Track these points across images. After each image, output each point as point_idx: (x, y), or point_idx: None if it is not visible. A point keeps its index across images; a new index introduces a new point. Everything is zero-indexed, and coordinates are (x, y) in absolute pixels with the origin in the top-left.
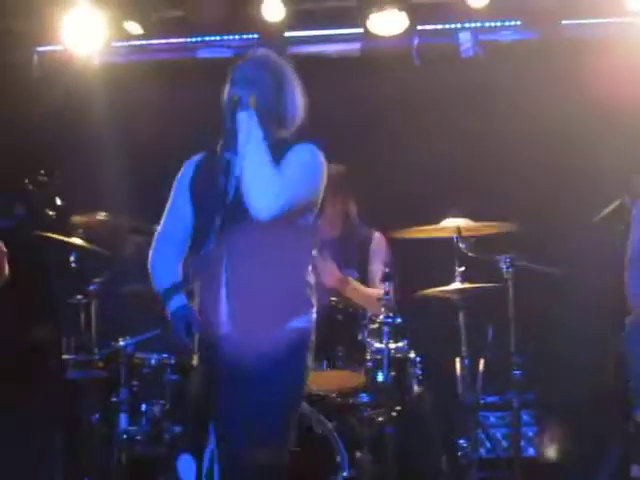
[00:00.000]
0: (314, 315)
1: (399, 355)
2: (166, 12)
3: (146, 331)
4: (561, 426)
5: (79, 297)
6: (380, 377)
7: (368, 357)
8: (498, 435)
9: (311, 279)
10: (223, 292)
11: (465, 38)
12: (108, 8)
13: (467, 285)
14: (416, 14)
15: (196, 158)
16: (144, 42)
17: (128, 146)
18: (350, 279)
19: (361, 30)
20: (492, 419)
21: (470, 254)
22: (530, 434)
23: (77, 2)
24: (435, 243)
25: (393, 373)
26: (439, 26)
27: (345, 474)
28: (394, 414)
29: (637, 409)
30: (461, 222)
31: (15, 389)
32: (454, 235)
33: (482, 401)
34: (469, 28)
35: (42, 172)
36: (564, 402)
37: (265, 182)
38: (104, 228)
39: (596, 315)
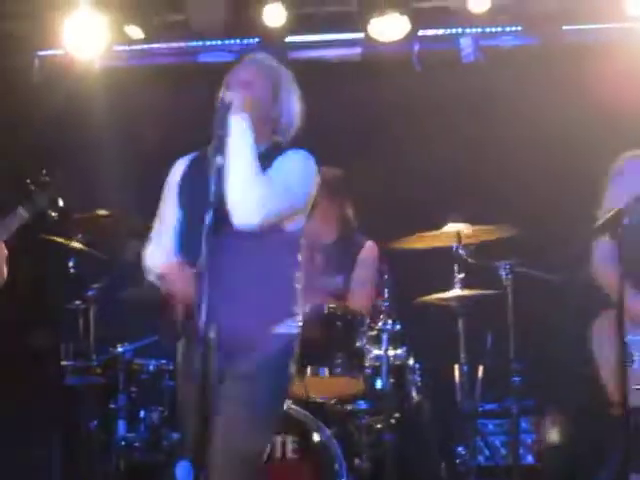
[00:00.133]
0: (299, 322)
1: (398, 362)
2: (167, 16)
3: (145, 337)
4: (560, 432)
5: (77, 303)
6: (379, 384)
7: (367, 364)
8: (497, 442)
9: (298, 285)
10: (206, 296)
11: (466, 43)
12: (109, 12)
13: (466, 292)
14: (417, 19)
15: (186, 159)
16: (145, 46)
17: (129, 150)
18: None
19: (362, 35)
20: (491, 426)
21: (470, 260)
22: (529, 441)
23: (78, 6)
24: (435, 249)
25: (392, 380)
26: (440, 31)
27: None
28: (393, 421)
29: None
30: (461, 228)
31: (13, 395)
32: (454, 244)
33: (481, 408)
34: (470, 33)
35: (44, 172)
36: (563, 409)
37: (249, 191)
38: (104, 226)
39: None
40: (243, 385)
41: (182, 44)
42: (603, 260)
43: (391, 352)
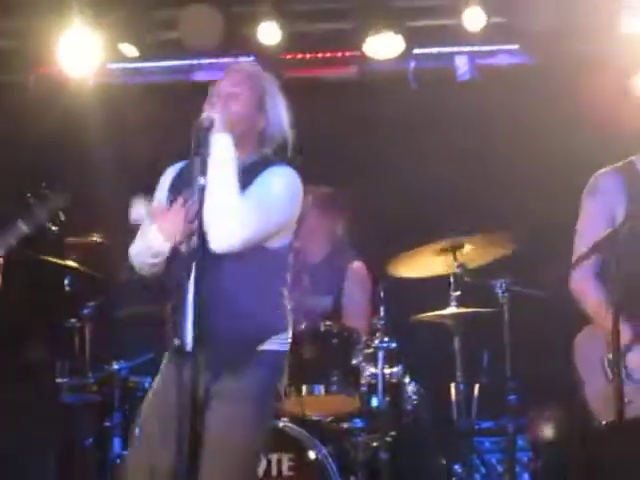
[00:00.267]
0: (288, 339)
1: (394, 380)
2: (161, 34)
3: (140, 355)
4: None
5: (73, 320)
6: (375, 402)
7: (363, 382)
8: (493, 460)
9: (286, 302)
10: (191, 313)
11: (461, 62)
12: (103, 30)
13: (462, 310)
14: (412, 37)
15: (176, 167)
16: (139, 64)
17: (123, 168)
18: None
19: (358, 53)
20: (487, 444)
21: (466, 279)
22: (525, 459)
23: (73, 24)
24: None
25: (388, 398)
26: (435, 50)
27: None
28: (389, 439)
29: None
30: (458, 249)
31: (8, 412)
32: (452, 271)
33: (477, 426)
34: (465, 52)
35: (44, 186)
36: (560, 427)
37: (226, 217)
38: (98, 250)
39: None
40: (230, 403)
41: (176, 62)
42: (583, 278)
43: (387, 370)
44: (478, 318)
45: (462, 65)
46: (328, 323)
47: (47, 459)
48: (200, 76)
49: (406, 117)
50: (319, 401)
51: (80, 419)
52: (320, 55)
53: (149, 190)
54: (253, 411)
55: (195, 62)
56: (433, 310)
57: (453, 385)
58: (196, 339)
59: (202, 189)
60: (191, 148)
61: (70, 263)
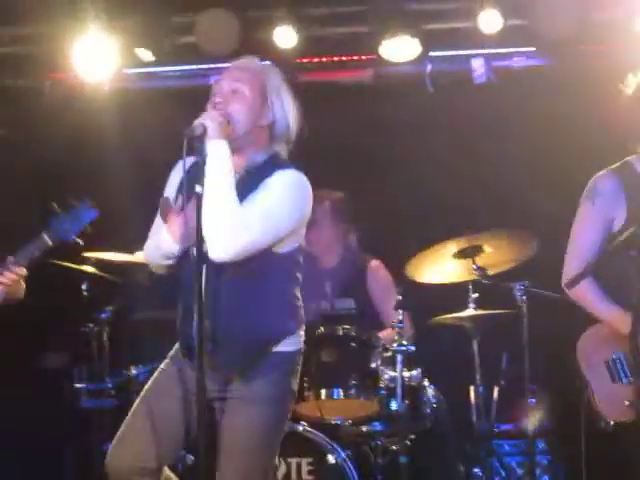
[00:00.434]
0: (301, 339)
1: (413, 383)
2: (177, 39)
3: (158, 359)
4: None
5: (91, 325)
6: (394, 405)
7: (382, 385)
8: (513, 463)
9: (298, 303)
10: (200, 316)
11: (478, 64)
12: (119, 35)
13: (481, 312)
14: (428, 40)
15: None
16: (156, 69)
17: (140, 173)
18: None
19: (374, 57)
20: (507, 447)
21: (484, 281)
22: (545, 462)
23: (88, 29)
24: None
25: (407, 401)
26: (451, 52)
27: None
28: (408, 443)
29: None
30: (476, 255)
31: (27, 417)
32: (469, 280)
33: (496, 429)
34: (482, 54)
35: (71, 197)
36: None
37: (222, 226)
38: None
39: None
40: (244, 405)
41: (193, 66)
42: (583, 284)
43: (406, 373)
44: (497, 320)
45: (478, 68)
46: (346, 327)
47: (65, 464)
48: None
49: (422, 120)
50: (338, 405)
51: (98, 424)
52: (336, 59)
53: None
54: (269, 412)
55: (212, 66)
56: (451, 312)
57: (472, 388)
58: (206, 342)
59: (199, 197)
60: (183, 156)
61: (87, 268)
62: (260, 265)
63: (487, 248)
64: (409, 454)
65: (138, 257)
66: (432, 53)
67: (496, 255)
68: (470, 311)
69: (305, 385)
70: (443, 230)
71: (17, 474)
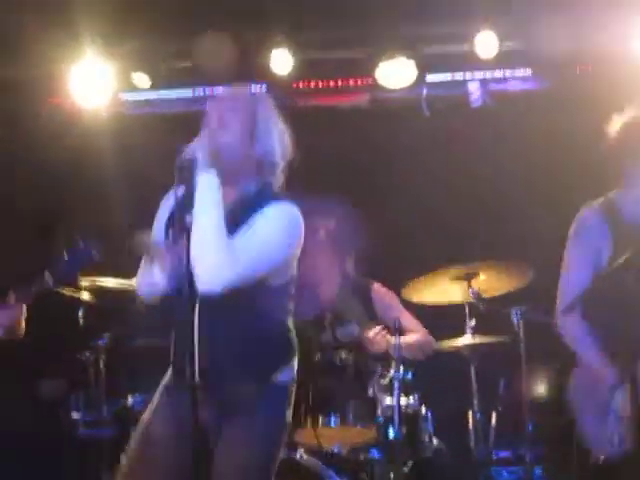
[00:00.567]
0: (294, 370)
1: (410, 410)
2: (174, 63)
3: (155, 388)
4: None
5: (87, 353)
6: (391, 433)
7: (379, 413)
8: None
9: (291, 333)
10: (195, 348)
11: (474, 88)
12: (116, 60)
13: (478, 339)
14: (425, 64)
15: (171, 200)
16: (152, 94)
17: (137, 198)
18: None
19: (370, 81)
20: (505, 474)
21: (481, 307)
22: None
23: (85, 54)
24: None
25: (405, 429)
26: (448, 76)
27: None
28: (406, 470)
29: None
30: (473, 278)
31: (24, 447)
32: (466, 301)
33: (495, 456)
34: (478, 78)
35: (78, 237)
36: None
37: (210, 259)
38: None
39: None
40: (239, 435)
41: (189, 91)
42: (569, 309)
43: (403, 400)
44: (494, 346)
45: (475, 91)
46: (344, 354)
47: None
48: None
49: (420, 143)
50: (335, 432)
51: (96, 453)
52: (332, 83)
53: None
54: (263, 442)
55: (209, 91)
56: (449, 338)
57: (470, 414)
58: (198, 375)
59: (189, 229)
60: (175, 187)
61: (84, 295)
62: (252, 298)
63: (483, 275)
64: None
65: (134, 282)
66: (429, 77)
67: (492, 282)
68: (467, 338)
69: (302, 412)
70: (441, 251)
71: None
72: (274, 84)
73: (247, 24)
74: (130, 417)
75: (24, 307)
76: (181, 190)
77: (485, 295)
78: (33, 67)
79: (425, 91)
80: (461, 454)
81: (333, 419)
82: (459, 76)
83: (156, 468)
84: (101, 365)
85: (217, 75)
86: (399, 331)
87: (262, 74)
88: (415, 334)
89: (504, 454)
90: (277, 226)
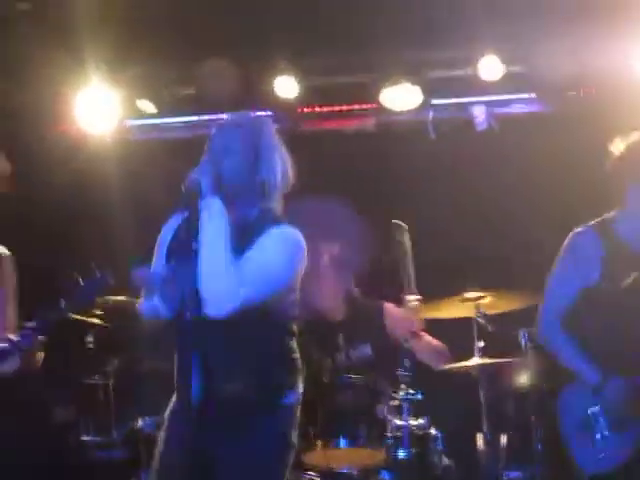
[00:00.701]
0: (299, 392)
1: (420, 432)
2: (179, 90)
3: (165, 410)
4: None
5: (97, 377)
6: (401, 454)
7: (389, 434)
8: None
9: (295, 356)
10: (196, 369)
11: (479, 111)
12: (121, 87)
13: (487, 360)
14: (429, 88)
15: (177, 220)
16: (157, 120)
17: (142, 224)
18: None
19: (375, 105)
20: None
21: (490, 329)
22: None
23: (90, 81)
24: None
25: (414, 450)
26: (453, 100)
27: None
28: None
29: None
30: (481, 299)
31: (35, 471)
32: (474, 316)
33: (505, 476)
34: (483, 102)
35: (94, 267)
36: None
37: (218, 283)
38: (120, 310)
39: None
40: (245, 459)
41: (194, 118)
42: (550, 325)
43: (413, 422)
44: (503, 367)
45: (479, 115)
46: (353, 376)
47: None
48: None
49: (425, 166)
50: (345, 454)
51: (106, 476)
52: (338, 108)
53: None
54: (269, 465)
55: (213, 117)
56: (458, 360)
57: (480, 435)
58: (202, 398)
59: (195, 254)
60: (181, 213)
61: (93, 320)
62: (256, 321)
63: (489, 297)
64: None
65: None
66: (434, 101)
67: (498, 300)
68: (476, 359)
69: (312, 434)
70: (448, 272)
71: None
72: (279, 109)
73: (251, 51)
74: (140, 439)
75: (40, 340)
76: (185, 216)
77: (490, 312)
78: (38, 93)
79: (431, 114)
80: (471, 475)
81: (343, 441)
82: (464, 99)
83: None
84: (110, 388)
85: (221, 102)
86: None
87: (267, 100)
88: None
89: (514, 474)
90: (281, 249)
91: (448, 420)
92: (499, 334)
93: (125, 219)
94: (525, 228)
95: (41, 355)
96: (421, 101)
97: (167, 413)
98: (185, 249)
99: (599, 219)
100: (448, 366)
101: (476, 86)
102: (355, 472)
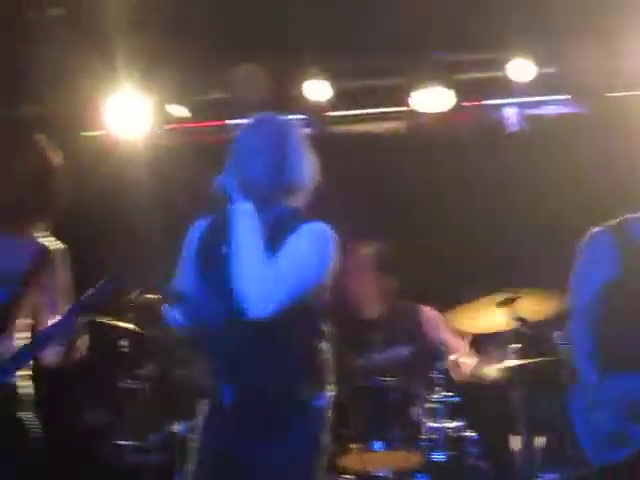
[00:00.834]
0: (331, 393)
1: (455, 434)
2: (210, 94)
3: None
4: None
5: (131, 382)
6: (437, 457)
7: (424, 437)
8: None
9: (327, 357)
10: (230, 372)
11: (510, 113)
12: (152, 92)
13: (522, 362)
14: (460, 91)
15: (202, 225)
16: (189, 125)
17: (173, 229)
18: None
19: (406, 108)
20: None
21: (525, 331)
22: None
23: (121, 86)
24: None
25: (450, 452)
26: (484, 102)
27: None
28: None
29: None
30: (516, 301)
31: (70, 476)
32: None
33: (540, 479)
34: (514, 103)
35: (117, 263)
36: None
37: (257, 286)
38: (155, 309)
39: None
40: (279, 461)
41: (225, 122)
42: (579, 331)
43: (448, 424)
44: (538, 369)
45: (511, 116)
46: (388, 379)
47: None
48: None
49: (456, 170)
50: (380, 457)
51: None
52: (369, 111)
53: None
54: (303, 468)
55: (245, 121)
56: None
57: (515, 437)
58: (235, 400)
59: (225, 259)
60: (206, 218)
61: (127, 325)
62: (290, 322)
63: (525, 300)
64: None
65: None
66: (465, 103)
67: (534, 306)
68: (512, 361)
69: (348, 437)
70: (483, 277)
71: None
72: (310, 113)
73: (282, 55)
74: (176, 443)
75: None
76: (214, 220)
77: (528, 318)
78: (69, 100)
79: (462, 117)
80: (507, 477)
81: (378, 444)
82: (495, 101)
83: None
84: (145, 392)
85: (252, 106)
86: (449, 351)
87: (297, 104)
88: (469, 357)
89: (550, 476)
90: (316, 243)
91: (483, 422)
92: (534, 337)
93: (156, 224)
94: (558, 230)
95: (84, 340)
96: (453, 103)
97: (201, 415)
98: (215, 254)
99: (620, 219)
100: (484, 369)
101: (507, 88)
102: (390, 475)
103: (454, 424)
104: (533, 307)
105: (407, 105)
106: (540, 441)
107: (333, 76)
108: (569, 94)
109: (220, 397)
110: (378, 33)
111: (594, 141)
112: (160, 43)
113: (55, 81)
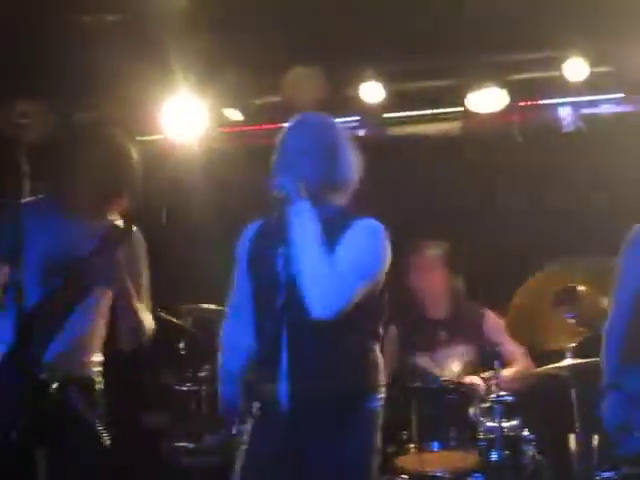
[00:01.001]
0: (383, 395)
1: (512, 433)
2: (265, 97)
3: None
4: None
5: (189, 384)
6: (494, 456)
7: (481, 436)
8: None
9: (379, 359)
10: (284, 373)
11: (566, 113)
12: (208, 96)
13: (578, 361)
14: (515, 91)
15: (254, 228)
16: (244, 128)
17: (230, 232)
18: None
19: (461, 109)
20: None
21: (580, 329)
22: None
23: (177, 90)
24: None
25: (507, 452)
26: (539, 102)
27: None
28: None
29: None
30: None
31: (128, 477)
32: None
33: (598, 477)
34: (569, 103)
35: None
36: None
37: (323, 286)
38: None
39: None
40: (333, 463)
41: (281, 125)
42: (617, 340)
43: (505, 423)
44: (595, 367)
45: (566, 116)
46: (444, 378)
47: None
48: None
49: (512, 170)
50: (438, 457)
51: None
52: (424, 112)
53: None
54: (357, 469)
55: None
56: (550, 361)
57: (572, 436)
58: (287, 401)
59: (285, 258)
60: (262, 218)
61: (186, 326)
62: (345, 323)
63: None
64: None
65: None
66: (520, 103)
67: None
68: (568, 360)
69: (405, 438)
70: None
71: None
72: (365, 115)
73: (336, 57)
74: (233, 446)
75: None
76: (268, 221)
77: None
78: (125, 104)
79: (517, 117)
80: (564, 476)
81: (435, 444)
82: (550, 101)
83: None
84: (202, 395)
85: (307, 109)
86: (500, 359)
87: (353, 106)
88: (515, 365)
89: (607, 475)
90: (372, 239)
91: (540, 421)
92: (591, 335)
93: (213, 227)
94: (615, 229)
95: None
96: (507, 104)
97: (254, 416)
98: (269, 256)
99: None
100: (541, 368)
101: (562, 87)
102: (447, 475)
103: (511, 423)
104: (592, 304)
105: (462, 106)
106: (597, 440)
107: (388, 78)
108: (624, 93)
109: (274, 398)
110: (432, 34)
111: None
112: (216, 47)
113: (112, 86)
